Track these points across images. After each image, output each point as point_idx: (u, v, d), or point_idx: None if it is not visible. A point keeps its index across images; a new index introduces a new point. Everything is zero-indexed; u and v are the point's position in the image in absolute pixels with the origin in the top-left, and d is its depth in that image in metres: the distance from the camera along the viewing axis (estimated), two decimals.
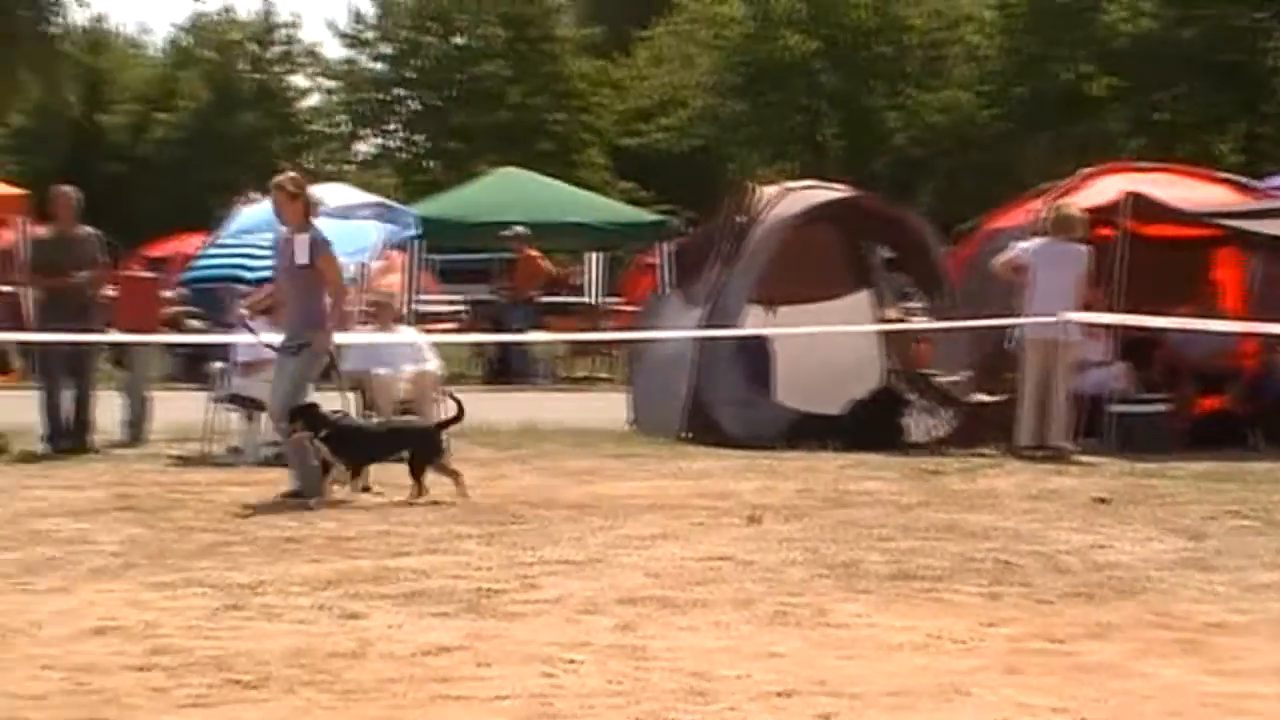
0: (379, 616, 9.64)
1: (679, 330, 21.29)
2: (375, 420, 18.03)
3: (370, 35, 64.24)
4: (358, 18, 63.48)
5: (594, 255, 40.89)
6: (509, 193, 37.75)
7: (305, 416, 15.25)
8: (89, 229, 20.49)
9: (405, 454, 15.67)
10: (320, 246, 15.70)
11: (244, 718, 7.25)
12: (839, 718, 7.25)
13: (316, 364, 15.95)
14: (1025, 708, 7.45)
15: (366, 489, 15.59)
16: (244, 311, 17.86)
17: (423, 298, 33.42)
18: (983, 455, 18.85)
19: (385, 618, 9.59)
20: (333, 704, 7.51)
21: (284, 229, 15.99)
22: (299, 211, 15.83)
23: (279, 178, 16.27)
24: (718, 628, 9.29)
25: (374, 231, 23.90)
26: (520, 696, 7.65)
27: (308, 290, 15.74)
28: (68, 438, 19.43)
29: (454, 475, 15.48)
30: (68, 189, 20.75)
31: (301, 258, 15.50)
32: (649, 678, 8.04)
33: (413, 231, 26.96)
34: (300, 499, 14.90)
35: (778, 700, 7.54)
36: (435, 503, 14.89)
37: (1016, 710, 7.41)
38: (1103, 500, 15.16)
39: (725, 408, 20.62)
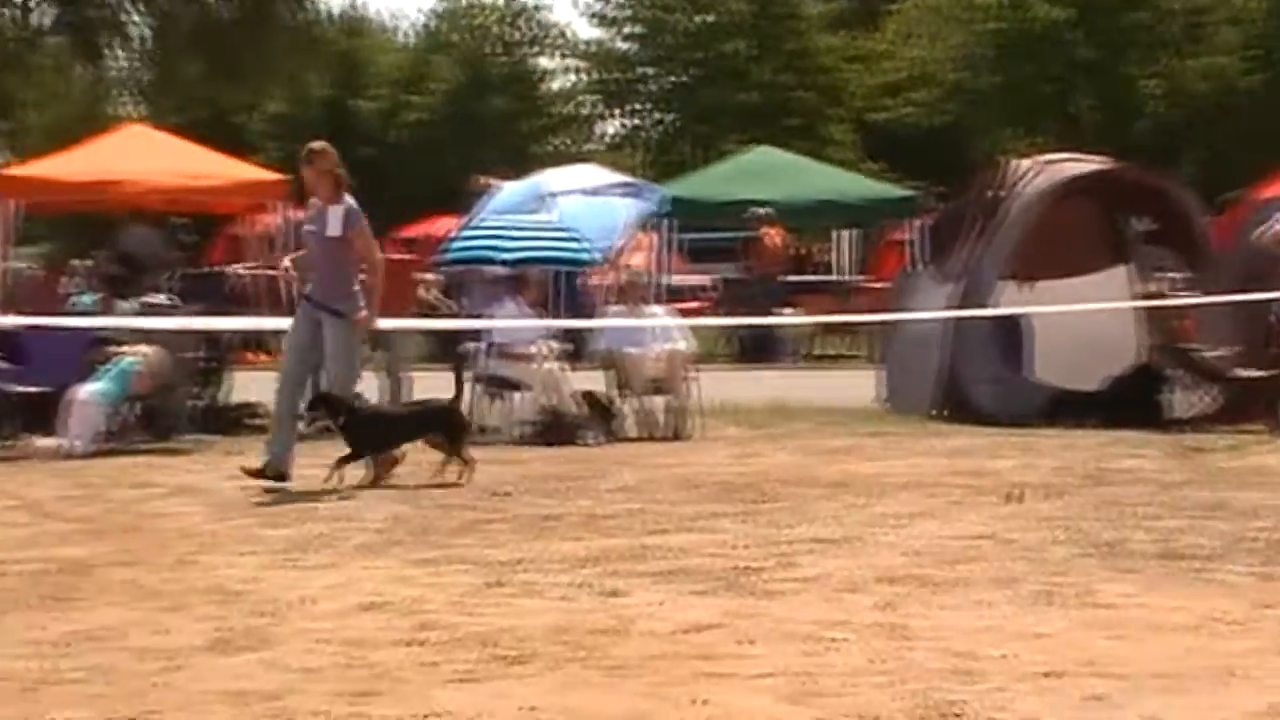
0: (638, 594, 9.64)
1: (930, 308, 21.14)
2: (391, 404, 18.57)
3: (618, 14, 64.28)
4: None
5: (844, 233, 40.79)
6: (760, 171, 37.71)
7: (325, 403, 15.36)
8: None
9: (433, 436, 15.75)
10: (353, 219, 15.57)
11: (511, 693, 7.25)
12: (1109, 699, 7.12)
13: (356, 336, 15.86)
14: None
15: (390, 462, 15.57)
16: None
17: (671, 276, 33.34)
18: (1250, 432, 18.57)
19: (645, 595, 9.58)
20: (598, 680, 7.49)
21: (316, 200, 15.84)
22: (330, 184, 15.66)
23: (309, 147, 16.06)
24: (980, 607, 9.19)
25: (623, 210, 23.87)
26: (783, 674, 7.58)
27: (338, 262, 15.68)
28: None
29: (466, 460, 15.34)
30: None
31: (334, 229, 15.46)
32: (912, 656, 7.97)
33: (663, 210, 26.92)
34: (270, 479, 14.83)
35: (1045, 681, 7.43)
36: (688, 482, 14.85)
37: None
38: None
39: (979, 385, 20.48)
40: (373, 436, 15.50)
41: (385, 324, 19.10)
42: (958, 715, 6.92)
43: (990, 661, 7.80)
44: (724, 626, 8.65)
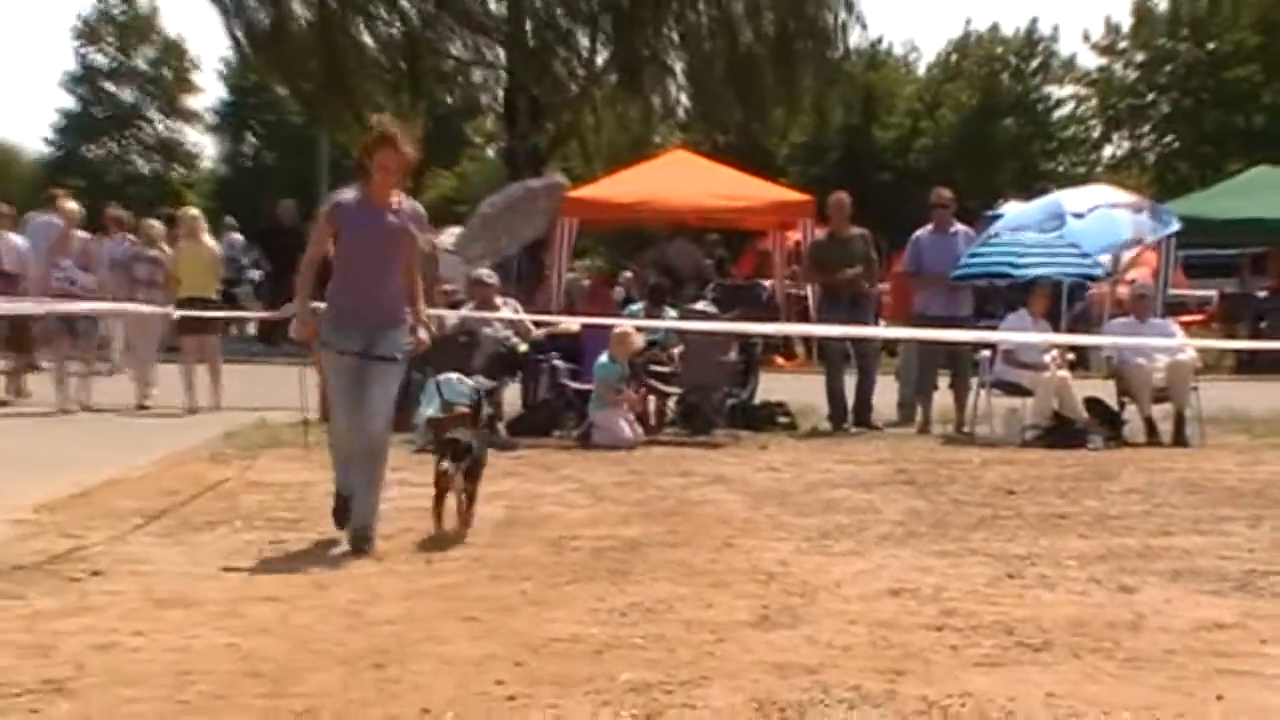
0: (1150, 591, 9.52)
1: None
2: None
3: (1124, 44, 63.39)
4: (1113, 29, 63.05)
5: None
6: (1262, 190, 36.99)
7: None
8: (860, 230, 20.79)
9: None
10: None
11: (1034, 679, 7.24)
12: None
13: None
14: None
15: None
16: None
17: (1172, 290, 32.83)
18: None
19: (1157, 592, 9.47)
20: (1117, 671, 7.45)
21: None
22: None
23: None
24: None
25: (1129, 225, 23.53)
26: None
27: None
28: (849, 417, 19.73)
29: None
30: (841, 195, 21.12)
31: None
32: None
33: (1174, 228, 26.43)
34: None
35: None
36: (1195, 486, 14.61)
37: None
38: None
39: None
40: None
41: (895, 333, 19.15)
42: None
43: None
44: (1239, 626, 8.51)
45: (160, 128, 71.38)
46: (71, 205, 23.29)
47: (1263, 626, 8.48)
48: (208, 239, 23.38)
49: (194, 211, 24.52)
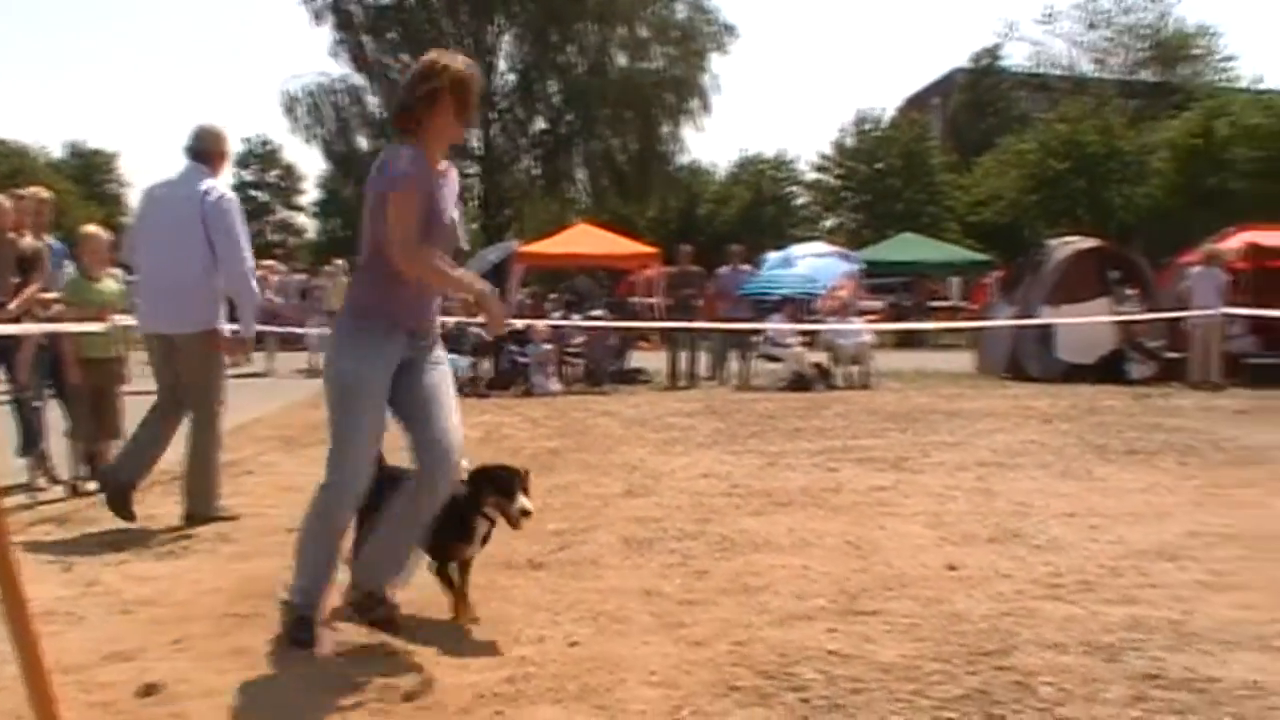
0: (846, 470, 9.57)
1: (1003, 319, 20.89)
2: None
3: (829, 164, 59.52)
4: (826, 156, 60.39)
5: (953, 279, 40.54)
6: (905, 246, 37.67)
7: None
8: (697, 267, 20.53)
9: None
10: None
11: (781, 521, 7.31)
12: (1100, 528, 7.06)
13: None
14: (1205, 524, 7.14)
15: None
16: None
17: (861, 302, 33.19)
18: (1172, 386, 18.08)
19: (849, 470, 9.51)
20: (826, 515, 7.52)
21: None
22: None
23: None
24: (1031, 479, 9.04)
25: (838, 265, 23.69)
26: (924, 513, 7.58)
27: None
28: (681, 378, 19.73)
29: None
30: (687, 247, 20.67)
31: None
32: (994, 505, 7.90)
33: (860, 267, 26.43)
34: None
35: (1067, 518, 7.38)
36: (872, 412, 14.76)
37: (1200, 525, 7.09)
38: (1243, 412, 14.42)
39: (1030, 360, 20.15)
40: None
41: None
42: (1016, 534, 6.90)
43: (1036, 508, 7.74)
44: (893, 489, 8.63)
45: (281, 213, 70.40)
46: None
47: (906, 488, 8.62)
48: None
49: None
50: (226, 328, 7.58)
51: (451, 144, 4.92)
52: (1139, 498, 8.21)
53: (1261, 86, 54.60)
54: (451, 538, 5.06)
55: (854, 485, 8.80)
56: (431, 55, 4.80)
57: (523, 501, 4.96)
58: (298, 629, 4.78)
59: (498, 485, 5.05)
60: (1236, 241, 20.71)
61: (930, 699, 4.06)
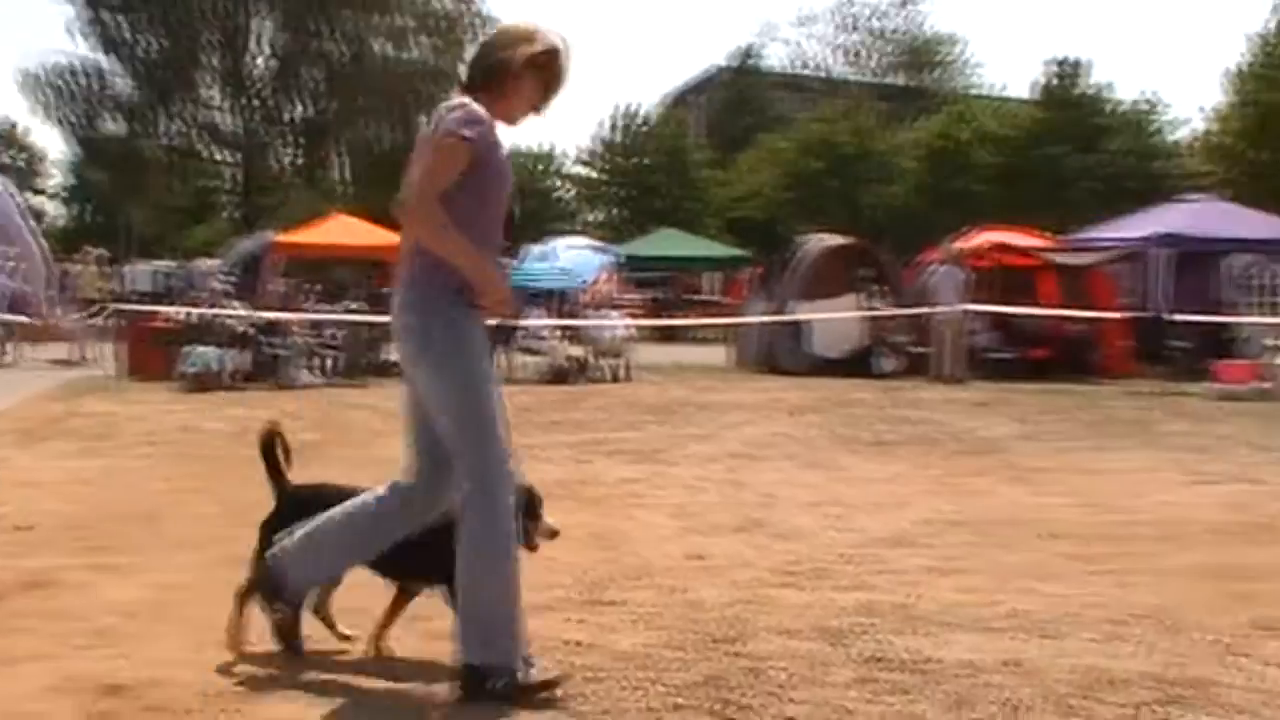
0: (600, 462, 9.69)
1: (758, 314, 21.38)
2: None
3: (594, 159, 59.92)
4: (592, 152, 60.48)
5: (714, 274, 41.23)
6: (668, 242, 38.24)
7: None
8: None
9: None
10: None
11: None
12: (840, 517, 7.30)
13: None
14: (939, 512, 7.46)
15: None
16: None
17: (624, 295, 33.85)
18: (917, 380, 18.76)
19: (604, 463, 9.65)
20: (577, 507, 7.50)
21: None
22: None
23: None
24: (778, 470, 9.32)
25: (597, 259, 23.92)
26: (673, 504, 7.74)
27: None
28: None
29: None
30: None
31: None
32: (741, 495, 8.11)
33: (619, 260, 26.77)
34: None
35: (810, 507, 7.60)
36: (631, 405, 14.92)
37: (934, 513, 7.40)
38: (982, 404, 15.08)
39: (783, 353, 20.67)
40: None
41: None
42: (760, 524, 7.07)
43: (781, 498, 7.97)
44: (645, 480, 8.76)
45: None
46: None
47: (657, 480, 8.77)
48: None
49: None
50: None
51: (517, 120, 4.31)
52: (880, 487, 8.52)
53: (1004, 94, 57.11)
54: (429, 563, 4.23)
55: (606, 477, 8.89)
56: (529, 24, 4.27)
57: (549, 521, 4.47)
58: (508, 694, 3.91)
59: (524, 505, 4.30)
60: (978, 241, 21.63)
61: (665, 686, 4.13)
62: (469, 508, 4.00)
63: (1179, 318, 18.91)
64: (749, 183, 54.29)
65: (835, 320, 20.50)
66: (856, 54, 64.99)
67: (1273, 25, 45.90)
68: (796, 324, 20.60)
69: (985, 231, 22.62)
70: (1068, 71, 50.07)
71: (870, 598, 5.33)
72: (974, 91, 58.63)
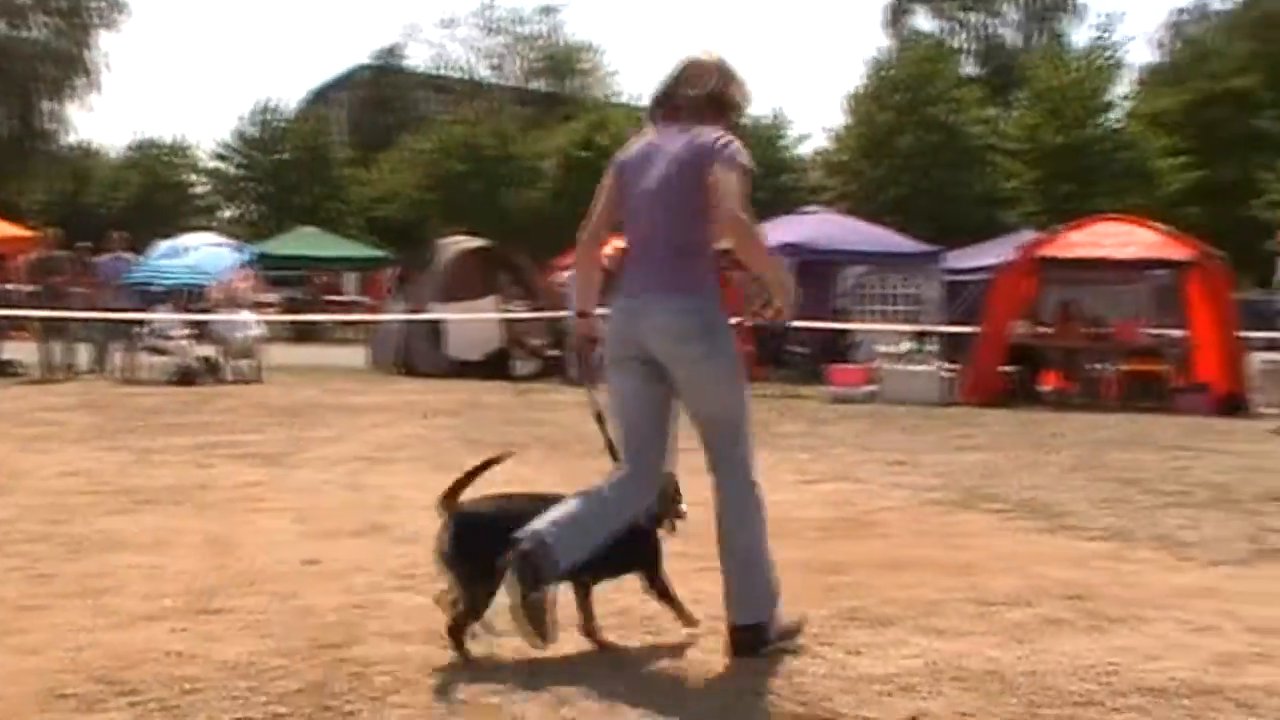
0: (222, 465, 9.41)
1: (397, 313, 21.26)
2: None
3: (233, 154, 57.23)
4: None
5: (351, 274, 40.61)
6: (306, 241, 37.54)
7: None
8: (67, 253, 19.72)
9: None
10: None
11: (143, 521, 7.06)
12: None
13: None
14: None
15: None
16: None
17: (259, 295, 32.91)
18: (552, 383, 19.05)
19: (225, 466, 9.37)
20: (193, 514, 7.34)
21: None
22: None
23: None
24: (406, 473, 9.26)
25: (230, 255, 23.19)
26: (294, 508, 7.55)
27: None
28: (57, 370, 18.64)
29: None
30: (56, 228, 19.90)
31: None
32: (363, 498, 8.02)
33: (252, 257, 26.03)
34: None
35: (431, 509, 7.53)
36: (260, 407, 14.54)
37: None
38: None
39: (420, 355, 20.61)
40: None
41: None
42: (379, 528, 7.02)
43: (404, 500, 7.90)
44: (266, 484, 8.57)
45: None
46: None
47: (279, 484, 8.53)
48: None
49: None
50: None
51: None
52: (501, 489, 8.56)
53: (639, 103, 58.58)
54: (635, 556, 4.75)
55: (226, 481, 8.64)
56: (731, 66, 4.74)
57: (682, 506, 4.84)
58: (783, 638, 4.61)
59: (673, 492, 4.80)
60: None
61: (266, 694, 4.05)
62: (746, 492, 4.57)
63: (799, 324, 19.86)
64: (391, 183, 53.86)
65: (473, 322, 20.57)
66: (500, 58, 65.42)
67: (886, 51, 48.98)
68: (435, 326, 20.56)
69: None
70: None
71: None
72: (613, 100, 59.89)
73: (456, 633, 4.45)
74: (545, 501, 4.57)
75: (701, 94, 4.66)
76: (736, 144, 4.51)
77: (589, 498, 4.52)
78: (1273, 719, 4.11)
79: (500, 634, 4.51)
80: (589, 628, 4.71)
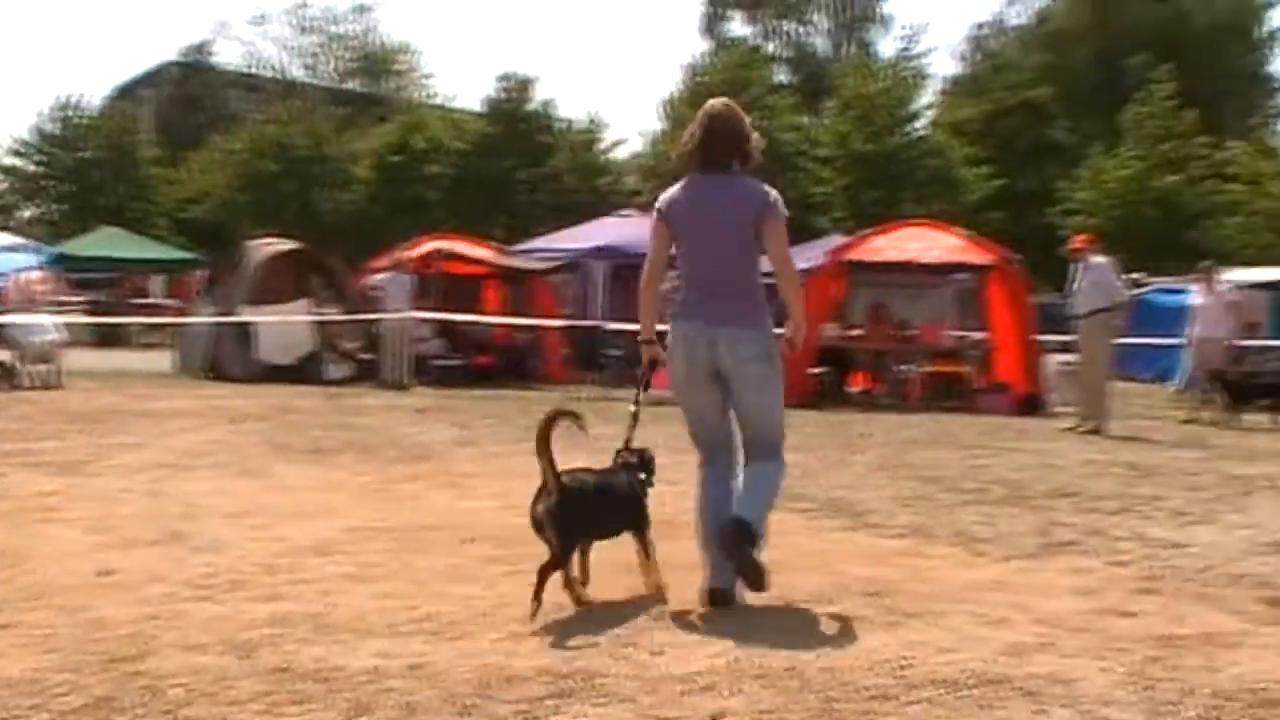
0: (15, 475, 9.01)
1: (206, 316, 20.76)
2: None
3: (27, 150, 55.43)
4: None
5: (158, 276, 39.35)
6: (112, 242, 36.38)
7: None
8: None
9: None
10: None
11: None
12: (265, 527, 7.16)
13: None
14: (365, 519, 7.43)
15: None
16: None
17: (57, 296, 31.72)
18: (364, 387, 18.85)
19: (18, 475, 8.98)
20: None
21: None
22: None
23: None
24: (209, 480, 9.02)
25: (26, 258, 22.35)
26: (90, 518, 7.30)
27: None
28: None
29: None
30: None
31: None
32: (161, 505, 7.80)
33: (50, 259, 25.25)
34: None
35: (234, 518, 7.41)
36: (59, 413, 14.02)
37: (360, 521, 7.36)
38: (422, 410, 15.29)
39: (229, 360, 20.12)
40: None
41: None
42: (179, 536, 6.83)
43: (205, 508, 7.73)
44: (62, 493, 8.26)
45: None
46: None
47: (75, 493, 8.24)
48: None
49: None
50: None
51: None
52: (310, 495, 8.44)
53: (456, 106, 58.23)
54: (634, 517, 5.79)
55: (18, 491, 8.32)
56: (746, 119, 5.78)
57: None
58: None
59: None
60: (426, 248, 21.96)
61: (51, 712, 3.91)
62: (777, 472, 5.67)
63: (614, 326, 19.95)
64: (200, 183, 52.56)
65: (284, 326, 20.17)
66: (313, 57, 64.38)
67: (702, 57, 49.55)
68: (244, 330, 20.10)
69: (434, 239, 23.00)
70: (516, 87, 51.67)
71: (284, 608, 5.26)
72: (428, 102, 59.40)
73: (543, 576, 5.12)
74: (611, 475, 5.77)
75: (733, 146, 5.63)
76: (779, 199, 5.57)
77: (730, 491, 5.67)
78: (1055, 705, 4.26)
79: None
80: (582, 578, 5.53)
